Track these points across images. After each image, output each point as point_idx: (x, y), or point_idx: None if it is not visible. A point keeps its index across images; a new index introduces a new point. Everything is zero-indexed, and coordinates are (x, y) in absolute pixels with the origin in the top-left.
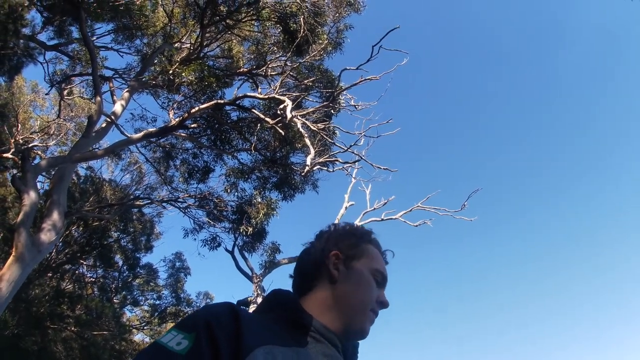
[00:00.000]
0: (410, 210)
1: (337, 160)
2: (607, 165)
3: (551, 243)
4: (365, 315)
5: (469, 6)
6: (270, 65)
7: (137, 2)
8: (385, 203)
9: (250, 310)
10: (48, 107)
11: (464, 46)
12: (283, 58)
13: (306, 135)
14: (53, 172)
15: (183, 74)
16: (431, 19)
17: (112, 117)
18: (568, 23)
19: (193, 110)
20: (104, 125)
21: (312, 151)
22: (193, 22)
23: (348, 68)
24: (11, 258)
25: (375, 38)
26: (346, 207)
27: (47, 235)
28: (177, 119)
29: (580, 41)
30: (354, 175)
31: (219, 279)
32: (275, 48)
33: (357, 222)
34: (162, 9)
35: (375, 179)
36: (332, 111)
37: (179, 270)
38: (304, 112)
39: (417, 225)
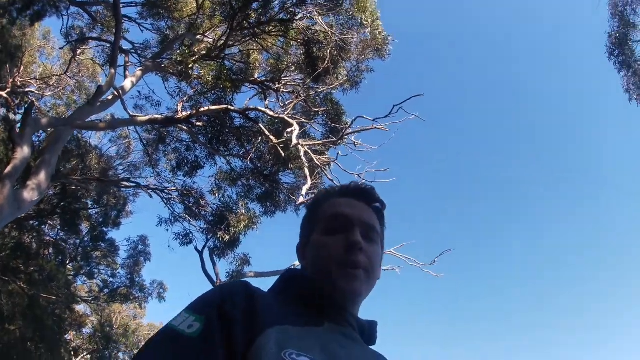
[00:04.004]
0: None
1: None
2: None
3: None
4: (333, 272)
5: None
6: (283, 82)
7: None
8: None
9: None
10: (54, 58)
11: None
12: (297, 78)
13: (307, 164)
14: (49, 132)
15: (202, 71)
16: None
17: (120, 92)
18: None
19: (202, 110)
20: (110, 97)
21: (310, 182)
22: (220, 20)
23: (364, 117)
24: None
25: (392, 87)
26: None
27: (30, 194)
28: (185, 113)
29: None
30: None
31: (180, 275)
32: (293, 67)
33: None
34: None
35: None
36: (332, 145)
37: (140, 254)
38: (311, 143)
39: (385, 270)
